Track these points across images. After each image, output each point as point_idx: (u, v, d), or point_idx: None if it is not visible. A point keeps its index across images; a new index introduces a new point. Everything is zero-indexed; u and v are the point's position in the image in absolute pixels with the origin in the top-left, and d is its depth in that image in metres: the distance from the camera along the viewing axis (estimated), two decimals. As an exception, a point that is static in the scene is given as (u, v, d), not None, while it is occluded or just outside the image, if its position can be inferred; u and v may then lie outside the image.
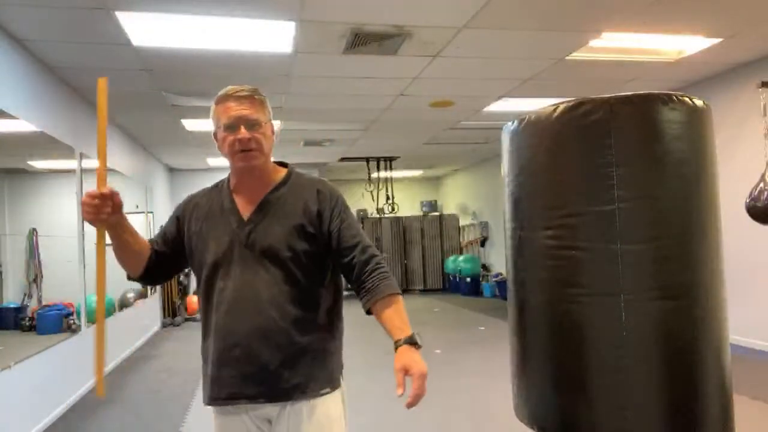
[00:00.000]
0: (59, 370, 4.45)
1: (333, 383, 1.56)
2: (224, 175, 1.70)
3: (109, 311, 5.74)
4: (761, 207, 3.97)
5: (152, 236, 1.72)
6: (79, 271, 4.99)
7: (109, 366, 5.76)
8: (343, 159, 10.38)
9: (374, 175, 10.95)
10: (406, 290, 11.71)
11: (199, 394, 1.79)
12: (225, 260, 1.55)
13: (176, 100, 5.67)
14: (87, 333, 5.01)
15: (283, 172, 1.65)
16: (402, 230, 12.35)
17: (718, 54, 4.97)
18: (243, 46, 4.29)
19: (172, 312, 8.83)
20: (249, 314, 1.50)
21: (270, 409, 1.52)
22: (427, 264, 12.30)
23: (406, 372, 1.39)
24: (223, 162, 1.49)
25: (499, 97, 6.24)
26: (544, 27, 4.20)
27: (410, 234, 12.39)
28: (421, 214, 12.97)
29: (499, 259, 11.16)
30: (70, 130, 4.89)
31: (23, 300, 4.19)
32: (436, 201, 14.01)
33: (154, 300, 8.40)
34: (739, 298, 4.66)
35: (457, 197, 13.40)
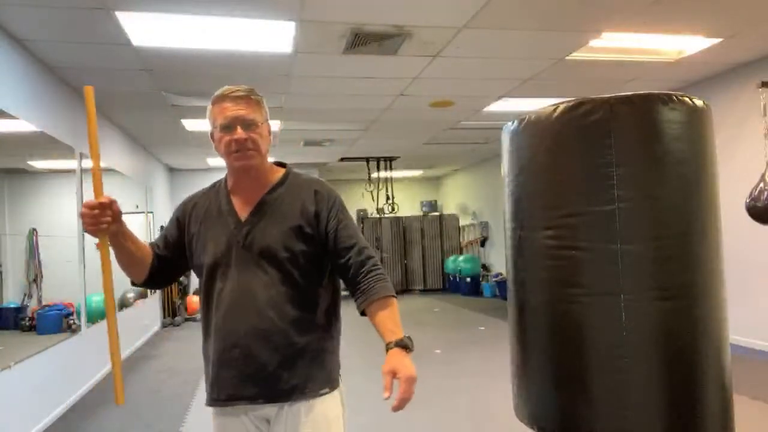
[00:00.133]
0: (59, 370, 4.45)
1: (332, 383, 1.56)
2: (224, 175, 1.69)
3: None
4: (761, 207, 3.97)
5: (152, 238, 1.71)
6: (79, 271, 4.99)
7: (109, 366, 5.75)
8: (343, 159, 10.38)
9: (374, 175, 10.94)
10: (406, 290, 11.72)
11: (199, 394, 1.79)
12: (223, 261, 1.55)
13: (176, 100, 5.67)
14: (87, 333, 5.01)
15: (280, 172, 1.65)
16: (402, 230, 12.34)
17: (718, 54, 4.97)
18: (243, 46, 4.29)
19: (172, 312, 8.83)
20: (247, 315, 1.50)
21: (269, 410, 1.52)
22: (427, 264, 12.29)
23: (394, 375, 1.38)
24: (222, 162, 1.51)
25: (499, 97, 6.24)
26: (544, 27, 4.20)
27: (410, 234, 12.38)
28: (421, 214, 12.96)
29: (499, 259, 11.15)
30: (70, 130, 4.89)
31: (23, 300, 4.19)
32: (436, 201, 14.01)
33: (154, 300, 8.40)
34: (739, 298, 4.66)
35: (457, 197, 13.40)
